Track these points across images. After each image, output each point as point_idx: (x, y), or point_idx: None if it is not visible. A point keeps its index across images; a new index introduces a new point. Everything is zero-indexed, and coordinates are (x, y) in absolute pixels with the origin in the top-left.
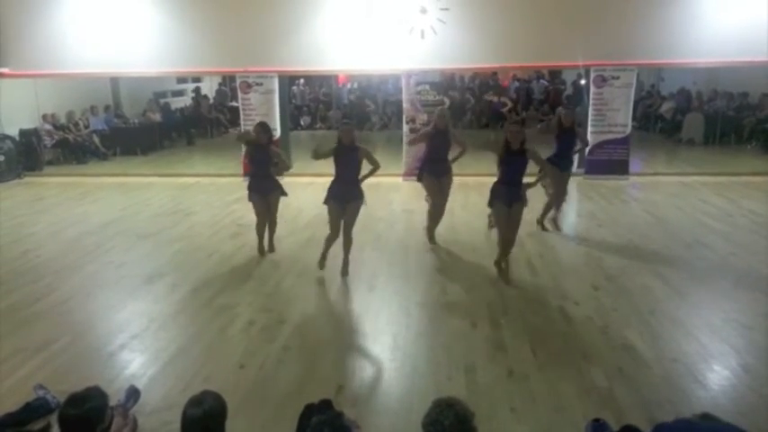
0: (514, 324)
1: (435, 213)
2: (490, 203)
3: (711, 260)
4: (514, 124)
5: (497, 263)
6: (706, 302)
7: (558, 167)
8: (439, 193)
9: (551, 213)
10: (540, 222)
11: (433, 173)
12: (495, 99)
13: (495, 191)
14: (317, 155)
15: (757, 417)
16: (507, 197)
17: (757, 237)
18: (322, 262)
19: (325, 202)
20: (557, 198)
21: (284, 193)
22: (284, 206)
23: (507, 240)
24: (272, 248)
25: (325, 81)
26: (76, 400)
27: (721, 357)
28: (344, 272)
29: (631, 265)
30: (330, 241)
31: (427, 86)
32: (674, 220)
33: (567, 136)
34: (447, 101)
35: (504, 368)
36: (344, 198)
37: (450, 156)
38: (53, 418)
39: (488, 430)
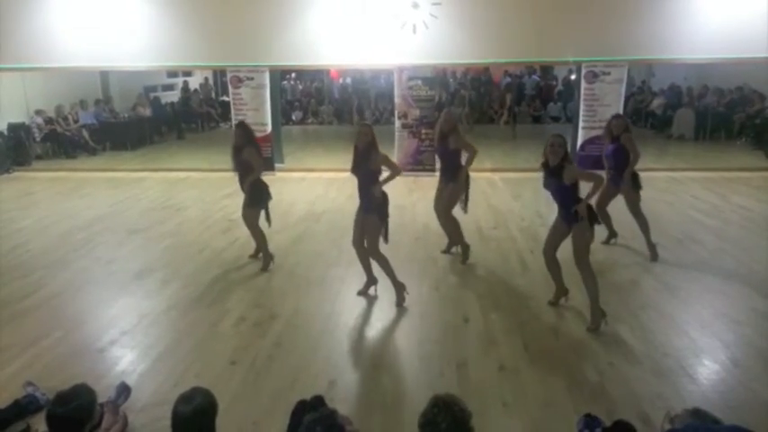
0: (506, 319)
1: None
2: None
3: (701, 255)
4: (557, 136)
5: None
6: (696, 297)
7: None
8: (439, 199)
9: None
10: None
11: (442, 178)
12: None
13: None
14: None
15: (746, 411)
16: (563, 217)
17: (747, 232)
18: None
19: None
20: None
21: (255, 204)
22: (276, 202)
23: (549, 262)
24: (265, 266)
25: (316, 75)
26: (64, 398)
27: (711, 352)
28: (396, 300)
29: (622, 261)
30: (357, 253)
31: (419, 81)
32: (664, 216)
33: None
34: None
35: (495, 363)
36: (363, 207)
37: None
38: (34, 420)
39: (480, 425)
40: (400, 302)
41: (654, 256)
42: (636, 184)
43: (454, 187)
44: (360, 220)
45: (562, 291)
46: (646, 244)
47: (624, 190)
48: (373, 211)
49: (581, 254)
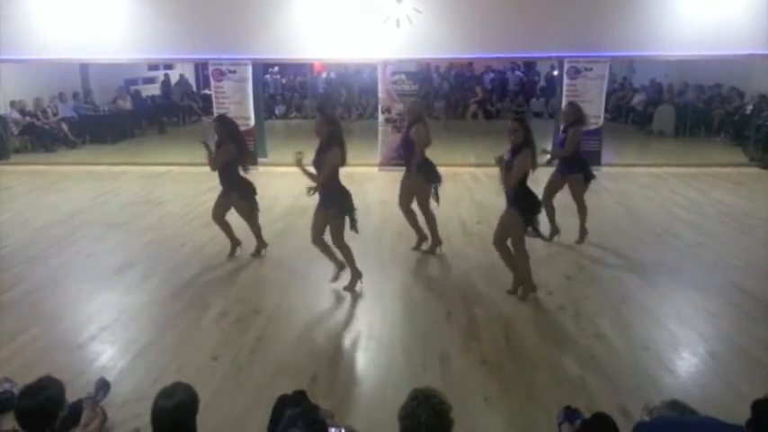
0: (488, 313)
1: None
2: None
3: (681, 250)
4: (512, 120)
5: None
6: (675, 291)
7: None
8: (403, 193)
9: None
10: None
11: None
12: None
13: None
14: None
15: (724, 403)
16: (507, 199)
17: (726, 227)
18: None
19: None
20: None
21: (245, 197)
22: (259, 196)
23: (500, 252)
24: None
25: (300, 69)
26: (32, 391)
27: (690, 345)
28: (347, 286)
29: (603, 255)
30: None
31: (403, 76)
32: (644, 211)
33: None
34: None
35: (477, 357)
36: (324, 203)
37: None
38: (9, 416)
39: (462, 419)
40: (350, 288)
41: (580, 240)
42: (586, 174)
43: (417, 178)
44: (320, 213)
45: (520, 280)
46: (579, 227)
47: (570, 180)
48: (332, 206)
49: (515, 240)
